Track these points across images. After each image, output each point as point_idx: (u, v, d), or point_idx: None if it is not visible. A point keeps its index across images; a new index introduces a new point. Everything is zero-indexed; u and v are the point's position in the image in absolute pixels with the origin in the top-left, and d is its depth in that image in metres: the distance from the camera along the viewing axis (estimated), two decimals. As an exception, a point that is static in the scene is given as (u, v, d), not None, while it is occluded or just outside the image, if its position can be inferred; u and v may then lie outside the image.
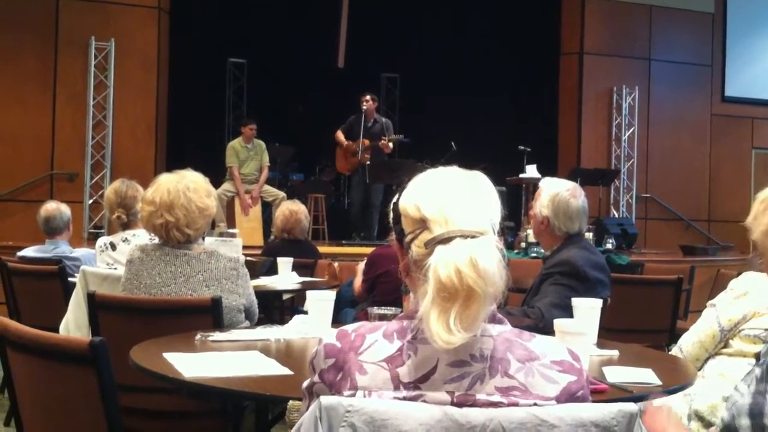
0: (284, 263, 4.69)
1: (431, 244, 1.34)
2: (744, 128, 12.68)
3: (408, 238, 1.39)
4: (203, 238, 3.22)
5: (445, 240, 1.33)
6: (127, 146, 10.09)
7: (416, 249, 1.37)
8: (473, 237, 1.33)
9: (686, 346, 2.69)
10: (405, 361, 1.33)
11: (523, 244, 8.16)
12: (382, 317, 2.24)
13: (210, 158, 9.17)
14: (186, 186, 3.01)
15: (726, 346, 2.60)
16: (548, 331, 2.20)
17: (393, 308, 2.33)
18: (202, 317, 2.75)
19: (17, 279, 4.42)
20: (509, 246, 8.41)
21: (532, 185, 8.84)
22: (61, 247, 4.82)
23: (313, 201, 10.45)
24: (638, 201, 12.08)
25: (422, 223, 1.37)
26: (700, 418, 2.47)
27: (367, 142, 9.24)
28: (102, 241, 4.26)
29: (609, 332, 2.78)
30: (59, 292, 4.09)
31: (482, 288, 1.28)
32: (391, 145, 9.37)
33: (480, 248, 1.31)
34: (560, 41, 12.15)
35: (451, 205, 1.37)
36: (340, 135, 9.53)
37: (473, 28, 11.91)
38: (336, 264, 5.52)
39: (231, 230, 7.08)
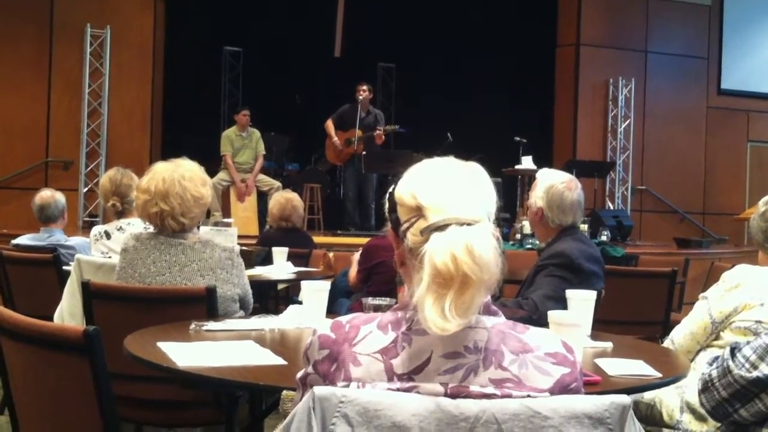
0: (279, 253, 4.68)
1: (427, 232, 1.34)
2: (740, 121, 12.69)
3: (404, 227, 1.40)
4: (198, 228, 3.21)
5: (441, 227, 1.33)
6: (122, 134, 10.07)
7: (412, 237, 1.37)
8: (469, 224, 1.33)
9: (678, 338, 2.70)
10: (399, 353, 1.33)
11: (518, 236, 8.16)
12: (377, 308, 2.24)
13: (205, 147, 9.14)
14: (181, 175, 3.00)
15: (717, 338, 2.61)
16: (542, 322, 2.21)
17: (388, 299, 2.33)
18: (197, 306, 2.75)
19: (12, 267, 4.41)
20: (504, 237, 8.42)
21: (528, 177, 8.86)
22: (56, 236, 4.81)
23: (309, 191, 10.43)
24: (633, 193, 12.09)
25: (418, 211, 1.37)
26: (692, 410, 2.48)
27: (360, 132, 9.21)
28: (96, 229, 4.25)
29: (603, 324, 2.79)
30: (54, 280, 4.08)
31: (477, 275, 1.28)
32: (384, 136, 9.35)
33: (476, 235, 1.31)
34: (557, 33, 12.13)
35: (447, 193, 1.37)
36: (330, 126, 9.46)
37: (470, 18, 11.88)
38: (331, 254, 5.52)
39: (226, 219, 7.08)
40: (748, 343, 2.30)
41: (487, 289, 1.31)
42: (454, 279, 1.28)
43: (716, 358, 2.35)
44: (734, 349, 2.30)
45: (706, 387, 2.29)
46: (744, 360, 2.25)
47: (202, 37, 11.71)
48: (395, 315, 1.38)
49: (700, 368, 2.54)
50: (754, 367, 2.21)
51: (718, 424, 2.38)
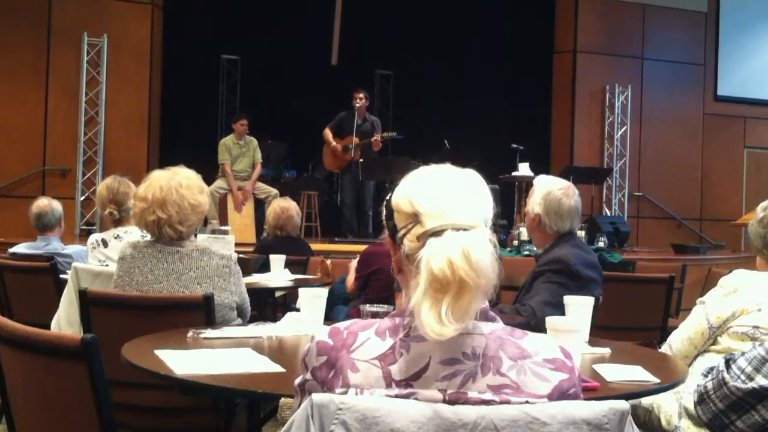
0: (277, 260, 4.68)
1: (423, 237, 1.34)
2: (736, 127, 12.72)
3: (401, 233, 1.40)
4: (195, 235, 3.21)
5: (438, 233, 1.33)
6: (119, 142, 10.07)
7: (409, 243, 1.37)
8: (465, 230, 1.33)
9: (676, 343, 2.70)
10: (397, 359, 1.33)
11: (515, 242, 8.16)
12: (375, 315, 2.24)
13: (203, 155, 9.16)
14: (178, 183, 3.00)
15: (715, 343, 2.61)
16: (540, 328, 2.20)
17: (385, 306, 2.33)
18: (194, 314, 2.75)
19: (9, 275, 4.40)
20: (502, 244, 8.41)
21: (525, 183, 8.86)
22: (53, 244, 4.80)
23: (306, 198, 10.44)
24: (630, 199, 12.10)
25: (415, 217, 1.38)
26: (690, 416, 2.48)
27: (357, 140, 9.22)
28: (94, 237, 4.25)
29: (601, 330, 2.79)
30: (51, 288, 4.08)
31: (474, 280, 1.28)
32: (381, 143, 9.36)
33: (473, 240, 1.31)
34: (554, 39, 12.16)
35: (444, 199, 1.37)
36: (328, 133, 9.47)
37: (467, 25, 11.91)
38: (329, 261, 5.51)
39: (223, 227, 7.09)
40: (742, 354, 2.31)
41: (484, 294, 1.31)
42: (450, 284, 1.28)
43: (711, 369, 2.36)
44: (729, 361, 2.30)
45: (702, 399, 2.30)
46: (739, 371, 2.26)
47: (199, 45, 11.73)
48: (393, 321, 1.38)
49: (698, 373, 2.55)
50: (750, 378, 2.22)
51: (717, 430, 2.39)
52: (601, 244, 8.11)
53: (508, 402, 1.31)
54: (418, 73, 12.27)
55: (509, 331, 1.39)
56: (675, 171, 12.15)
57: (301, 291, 2.72)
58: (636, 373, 2.06)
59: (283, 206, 5.87)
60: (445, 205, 1.37)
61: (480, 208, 1.40)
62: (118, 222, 4.22)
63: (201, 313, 2.76)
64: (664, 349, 2.75)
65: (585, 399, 1.38)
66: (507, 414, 1.30)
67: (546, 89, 12.18)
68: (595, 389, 1.91)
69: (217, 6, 11.76)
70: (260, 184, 9.56)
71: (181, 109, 11.09)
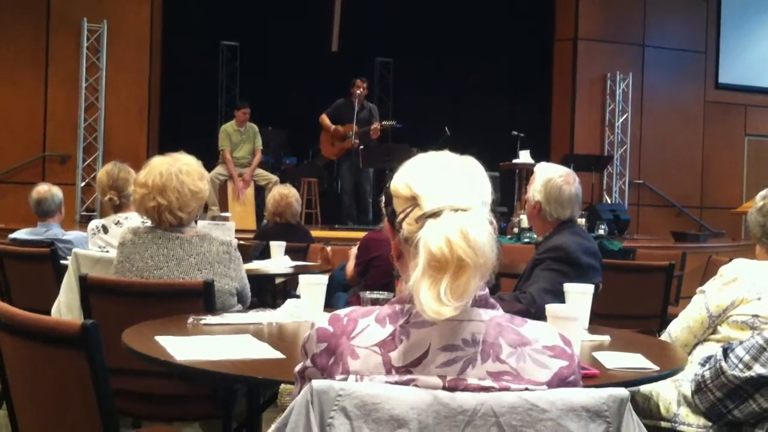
0: (277, 247, 4.68)
1: (422, 219, 1.34)
2: (737, 115, 12.70)
3: (399, 217, 1.40)
4: (196, 222, 3.21)
5: (436, 214, 1.34)
6: (119, 128, 10.06)
7: (407, 227, 1.38)
8: (464, 210, 1.34)
9: (675, 331, 2.71)
10: (397, 346, 1.33)
11: (516, 230, 8.16)
12: (375, 301, 2.24)
13: (202, 141, 9.13)
14: (179, 169, 3.00)
15: (714, 332, 2.61)
16: (540, 316, 2.20)
17: (385, 293, 2.33)
18: (194, 300, 2.75)
19: (9, 261, 4.40)
20: (502, 231, 8.41)
21: (525, 171, 8.86)
22: (53, 230, 4.80)
23: (306, 185, 10.43)
24: (631, 187, 12.10)
25: (413, 201, 1.38)
26: (689, 404, 2.49)
27: (357, 127, 9.21)
28: (94, 223, 4.25)
29: (600, 318, 2.79)
30: (51, 274, 4.08)
31: (472, 258, 1.28)
32: (380, 131, 9.35)
33: (471, 220, 1.32)
34: (554, 27, 12.12)
35: (442, 182, 1.38)
36: (325, 119, 9.46)
37: (467, 13, 11.87)
38: (329, 248, 5.52)
39: (223, 214, 7.07)
40: (740, 343, 2.32)
41: (482, 274, 1.31)
42: (449, 263, 1.28)
43: (709, 358, 2.37)
44: (726, 350, 2.32)
45: (699, 388, 2.31)
46: (737, 360, 2.27)
47: (199, 32, 11.69)
48: (393, 308, 1.38)
49: (697, 362, 2.55)
50: (748, 367, 2.23)
51: (715, 418, 2.39)
52: (601, 232, 8.11)
53: (507, 389, 1.32)
54: (418, 60, 12.22)
55: (509, 318, 1.39)
56: (675, 159, 12.15)
57: (301, 278, 2.72)
58: (635, 361, 2.07)
59: (282, 193, 5.87)
60: (442, 187, 1.37)
61: (478, 190, 1.40)
62: (118, 208, 4.22)
63: (201, 299, 2.76)
64: (664, 337, 2.75)
65: (584, 386, 1.38)
66: (506, 401, 1.30)
67: (546, 77, 12.16)
68: (595, 376, 1.91)
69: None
70: (260, 171, 9.56)
71: (181, 95, 11.06)
